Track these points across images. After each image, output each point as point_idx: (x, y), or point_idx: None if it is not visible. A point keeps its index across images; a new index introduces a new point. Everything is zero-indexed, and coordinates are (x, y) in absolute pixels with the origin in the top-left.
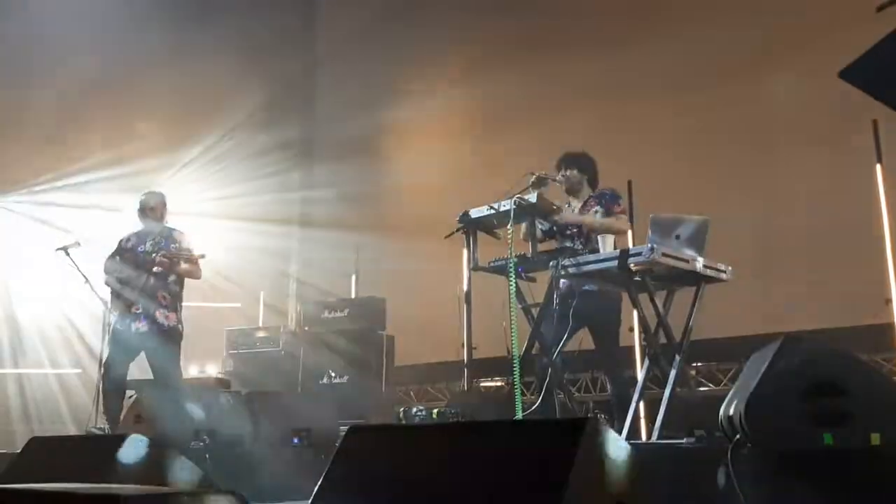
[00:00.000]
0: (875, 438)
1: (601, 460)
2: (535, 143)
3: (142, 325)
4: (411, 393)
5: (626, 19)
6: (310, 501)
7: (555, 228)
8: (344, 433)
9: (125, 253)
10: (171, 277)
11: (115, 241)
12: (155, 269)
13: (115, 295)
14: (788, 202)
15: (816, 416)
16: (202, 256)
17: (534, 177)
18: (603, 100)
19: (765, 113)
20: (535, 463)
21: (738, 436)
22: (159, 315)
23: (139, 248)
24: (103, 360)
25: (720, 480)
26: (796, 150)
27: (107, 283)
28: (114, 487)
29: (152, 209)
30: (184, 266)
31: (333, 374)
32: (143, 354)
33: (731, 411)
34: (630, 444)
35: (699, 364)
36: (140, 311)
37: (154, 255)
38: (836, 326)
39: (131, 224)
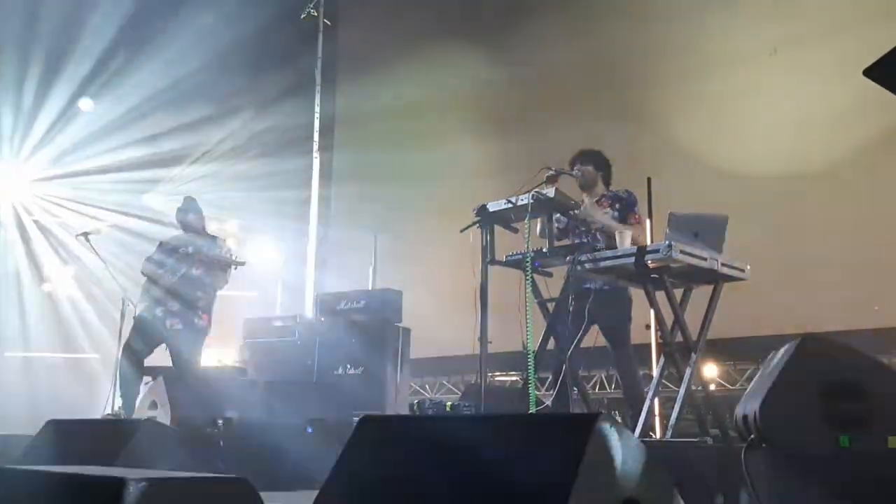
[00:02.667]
0: (893, 441)
1: (611, 457)
2: (555, 138)
3: (177, 324)
4: (426, 386)
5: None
6: (320, 490)
7: (570, 223)
8: (356, 423)
9: (162, 256)
10: (208, 280)
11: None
12: (195, 271)
13: (149, 284)
14: (813, 198)
15: (833, 418)
16: (242, 263)
17: (551, 172)
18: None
19: (787, 102)
20: (545, 457)
21: (752, 436)
22: (195, 316)
23: (180, 250)
24: (122, 346)
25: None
26: (823, 142)
27: (143, 272)
28: (122, 471)
29: (190, 218)
30: (218, 271)
31: (348, 365)
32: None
33: (747, 411)
34: (643, 442)
35: (714, 363)
36: (176, 308)
37: (195, 255)
38: (857, 328)
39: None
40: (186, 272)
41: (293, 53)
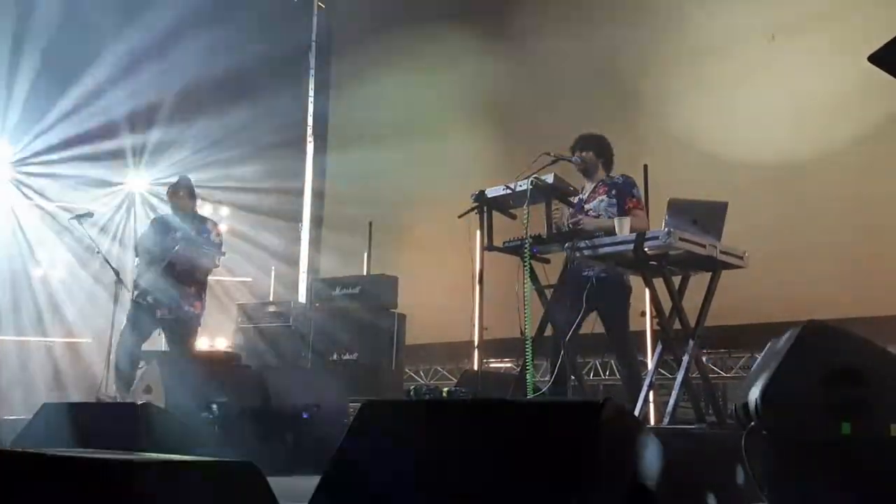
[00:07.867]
0: (894, 429)
1: (621, 443)
2: (553, 125)
3: (166, 313)
4: (421, 372)
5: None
6: (323, 474)
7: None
8: (359, 407)
9: (155, 236)
10: (196, 265)
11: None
12: (182, 258)
13: (143, 270)
14: (810, 184)
15: (835, 405)
16: (223, 254)
17: (550, 157)
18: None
19: (785, 88)
20: (554, 443)
21: (752, 423)
22: (185, 304)
23: (167, 235)
24: (118, 330)
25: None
26: (822, 128)
27: (137, 263)
28: (126, 454)
29: (181, 196)
30: (203, 261)
31: (343, 351)
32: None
33: (747, 398)
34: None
35: (709, 351)
36: (165, 298)
37: (177, 246)
38: (854, 317)
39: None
40: (171, 261)
41: (288, 37)
